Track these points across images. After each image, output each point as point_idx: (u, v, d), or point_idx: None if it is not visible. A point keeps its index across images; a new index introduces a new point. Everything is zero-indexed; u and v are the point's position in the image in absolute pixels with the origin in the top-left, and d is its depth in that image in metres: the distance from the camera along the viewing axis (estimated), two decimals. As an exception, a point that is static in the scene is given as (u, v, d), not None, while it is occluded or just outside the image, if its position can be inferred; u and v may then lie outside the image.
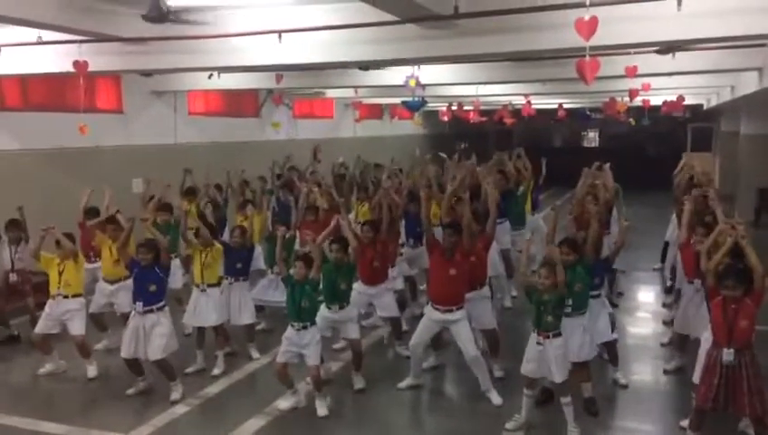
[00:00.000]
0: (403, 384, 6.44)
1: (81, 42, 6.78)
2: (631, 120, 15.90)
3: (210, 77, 10.26)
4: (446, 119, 17.88)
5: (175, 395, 6.20)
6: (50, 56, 7.43)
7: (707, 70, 9.34)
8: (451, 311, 6.02)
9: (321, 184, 11.30)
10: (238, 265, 7.12)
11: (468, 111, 16.55)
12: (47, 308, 6.73)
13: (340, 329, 6.37)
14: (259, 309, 7.64)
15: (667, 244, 9.52)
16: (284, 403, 6.01)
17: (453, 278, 6.01)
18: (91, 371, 6.80)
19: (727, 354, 4.66)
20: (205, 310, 6.79)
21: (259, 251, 8.12)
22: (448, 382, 6.87)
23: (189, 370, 6.73)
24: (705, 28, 5.32)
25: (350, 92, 14.56)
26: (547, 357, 5.26)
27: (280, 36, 6.13)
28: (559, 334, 5.27)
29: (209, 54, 6.93)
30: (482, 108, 16.57)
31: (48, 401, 6.41)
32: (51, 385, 6.74)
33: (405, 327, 7.93)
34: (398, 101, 15.53)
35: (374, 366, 6.89)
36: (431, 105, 17.58)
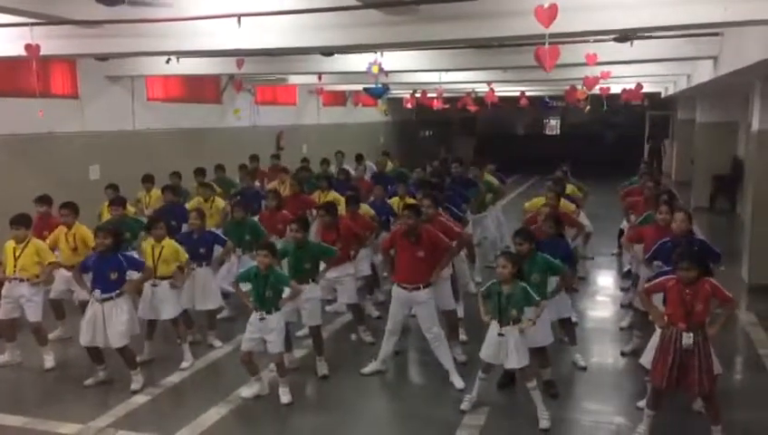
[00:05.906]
0: (367, 370, 6.45)
1: (33, 24, 6.56)
2: (587, 107, 16.11)
3: (168, 61, 10.03)
4: (410, 106, 17.88)
5: (135, 385, 6.10)
6: (0, 40, 7.19)
7: (664, 58, 9.54)
8: (418, 289, 6.05)
9: (287, 170, 11.27)
10: (201, 250, 7.04)
11: (432, 98, 16.56)
12: (4, 291, 6.64)
13: (301, 311, 6.33)
14: (225, 295, 7.56)
15: (622, 231, 9.72)
16: (247, 391, 5.97)
17: (420, 259, 6.04)
18: (48, 361, 6.67)
19: (687, 338, 4.76)
20: (159, 303, 6.57)
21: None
22: (412, 368, 6.92)
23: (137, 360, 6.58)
24: (661, 16, 5.41)
25: (313, 79, 14.43)
26: (507, 344, 5.30)
27: (239, 20, 6.02)
28: (518, 320, 5.33)
29: (166, 38, 6.78)
30: (445, 95, 16.58)
31: (5, 393, 6.26)
32: (7, 376, 6.59)
33: (377, 313, 7.94)
34: (361, 87, 15.48)
35: (337, 352, 6.90)
36: (395, 92, 17.59)
